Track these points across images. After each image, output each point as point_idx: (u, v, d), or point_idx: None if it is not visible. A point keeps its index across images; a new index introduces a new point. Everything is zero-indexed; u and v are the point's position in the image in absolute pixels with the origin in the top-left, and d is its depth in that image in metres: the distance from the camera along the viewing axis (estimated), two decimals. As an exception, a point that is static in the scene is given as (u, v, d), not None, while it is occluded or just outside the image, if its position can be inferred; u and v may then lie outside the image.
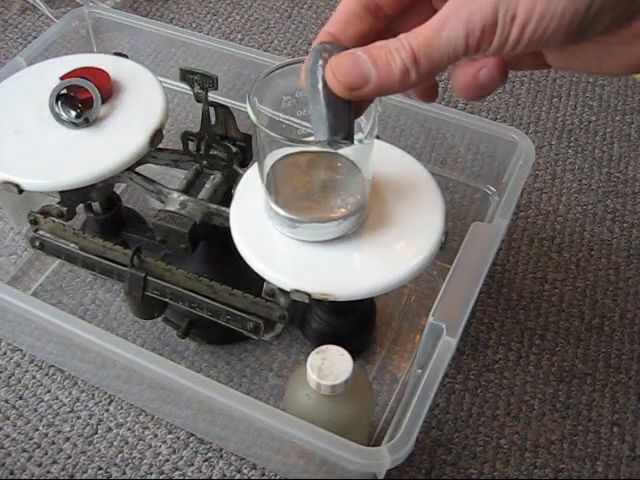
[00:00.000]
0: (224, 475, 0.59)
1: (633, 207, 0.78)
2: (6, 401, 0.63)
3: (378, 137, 0.56)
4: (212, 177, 0.61)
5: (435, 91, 0.40)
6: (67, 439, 0.61)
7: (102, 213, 0.68)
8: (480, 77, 0.36)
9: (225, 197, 0.60)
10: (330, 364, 0.50)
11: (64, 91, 0.59)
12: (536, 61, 0.38)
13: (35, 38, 0.74)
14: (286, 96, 0.48)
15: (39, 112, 0.61)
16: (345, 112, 0.37)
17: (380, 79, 0.35)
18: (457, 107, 0.88)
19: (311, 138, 0.50)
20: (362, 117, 0.47)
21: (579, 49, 0.35)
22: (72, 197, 0.60)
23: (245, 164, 0.64)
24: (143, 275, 0.56)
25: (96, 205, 0.68)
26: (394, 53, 0.34)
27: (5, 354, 0.67)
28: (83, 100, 0.59)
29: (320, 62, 0.37)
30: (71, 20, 0.74)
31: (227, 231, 0.54)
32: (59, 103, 0.59)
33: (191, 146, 0.61)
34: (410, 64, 0.34)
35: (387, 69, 0.34)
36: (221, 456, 0.60)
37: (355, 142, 0.43)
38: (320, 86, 0.37)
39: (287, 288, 0.50)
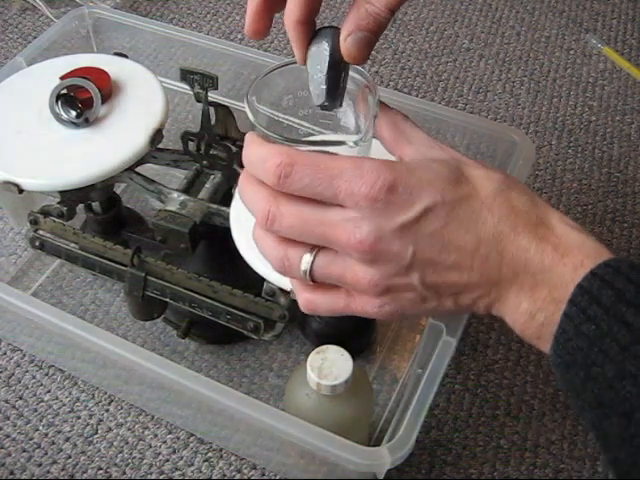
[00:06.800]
0: (224, 475, 0.59)
1: (633, 207, 0.78)
2: (6, 401, 0.63)
3: (378, 137, 0.56)
4: (212, 177, 0.61)
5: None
6: (67, 439, 0.61)
7: (102, 213, 0.68)
8: None
9: (225, 197, 0.60)
10: (330, 364, 0.50)
11: (64, 91, 0.59)
12: None
13: (35, 38, 0.73)
14: (287, 96, 0.48)
15: (39, 112, 0.61)
16: (340, 80, 0.43)
17: None
18: (457, 107, 0.88)
19: (311, 138, 0.50)
20: (362, 118, 0.47)
21: None
22: (72, 197, 0.60)
23: (245, 164, 0.64)
24: (143, 275, 0.56)
25: (96, 205, 0.67)
26: None
27: (5, 354, 0.67)
28: (83, 100, 0.59)
29: (327, 39, 0.43)
30: (71, 20, 0.74)
31: (227, 231, 0.54)
32: (59, 103, 0.59)
33: (191, 146, 0.61)
34: None
35: None
36: (221, 456, 0.60)
37: (351, 143, 0.43)
38: (327, 52, 0.42)
39: (287, 288, 0.50)
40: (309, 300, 0.44)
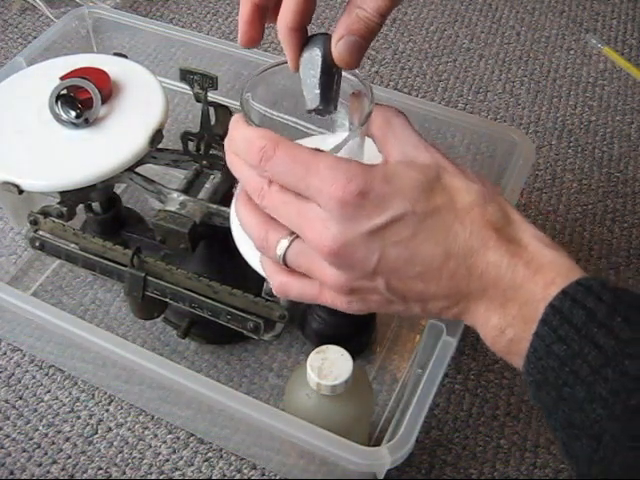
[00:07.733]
0: (224, 475, 0.59)
1: (633, 207, 0.78)
2: (6, 401, 0.63)
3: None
4: (212, 177, 0.61)
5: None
6: (67, 439, 0.61)
7: (102, 213, 0.68)
8: None
9: (225, 197, 0.60)
10: (330, 364, 0.50)
11: (64, 91, 0.59)
12: None
13: (35, 38, 0.73)
14: (282, 94, 0.48)
15: (39, 112, 0.60)
16: (333, 84, 0.44)
17: None
18: (457, 107, 0.88)
19: (302, 140, 0.50)
20: (355, 120, 0.47)
21: None
22: (72, 197, 0.60)
23: (245, 164, 0.64)
24: (143, 275, 0.56)
25: (96, 205, 0.67)
26: None
27: (5, 354, 0.67)
28: (83, 100, 0.59)
29: (319, 44, 0.43)
30: (71, 20, 0.74)
31: (227, 231, 0.54)
32: (59, 103, 0.59)
33: (191, 146, 0.61)
34: None
35: None
36: (221, 456, 0.60)
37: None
38: (319, 57, 0.43)
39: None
40: (282, 283, 0.44)
